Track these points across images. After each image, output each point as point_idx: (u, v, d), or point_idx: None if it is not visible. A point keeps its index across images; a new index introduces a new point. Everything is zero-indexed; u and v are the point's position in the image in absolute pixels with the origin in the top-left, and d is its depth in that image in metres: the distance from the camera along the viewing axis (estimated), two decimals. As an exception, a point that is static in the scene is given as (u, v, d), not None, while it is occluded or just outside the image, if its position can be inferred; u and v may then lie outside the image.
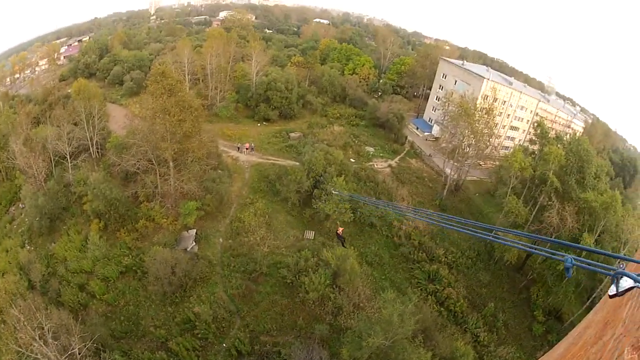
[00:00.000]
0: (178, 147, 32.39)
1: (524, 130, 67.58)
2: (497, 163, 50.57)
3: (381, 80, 77.15)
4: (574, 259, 2.46)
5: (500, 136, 62.28)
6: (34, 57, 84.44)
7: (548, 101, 73.46)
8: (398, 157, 53.30)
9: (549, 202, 36.63)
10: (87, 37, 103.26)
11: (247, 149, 46.36)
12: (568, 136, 52.84)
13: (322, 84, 67.90)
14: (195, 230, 32.58)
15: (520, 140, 66.35)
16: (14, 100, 64.97)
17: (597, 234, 35.19)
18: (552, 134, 48.63)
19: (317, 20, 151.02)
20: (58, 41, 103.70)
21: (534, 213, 38.89)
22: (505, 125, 65.50)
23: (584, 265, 2.88)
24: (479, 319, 32.77)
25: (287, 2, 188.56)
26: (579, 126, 76.45)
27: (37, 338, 21.73)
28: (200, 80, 62.20)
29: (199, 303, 28.95)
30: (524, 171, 38.93)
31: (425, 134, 64.14)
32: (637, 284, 2.21)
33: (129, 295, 31.08)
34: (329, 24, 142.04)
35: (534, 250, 5.94)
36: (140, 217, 32.44)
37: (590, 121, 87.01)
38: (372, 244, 35.81)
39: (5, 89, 73.17)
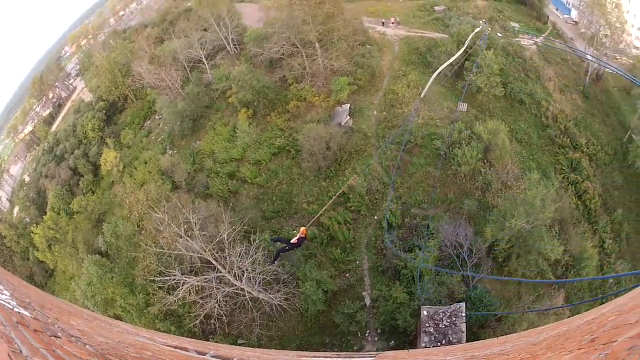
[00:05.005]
0: (322, 28, 32.59)
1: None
2: (631, 62, 49.00)
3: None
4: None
5: (630, 35, 57.39)
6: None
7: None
8: (543, 36, 50.57)
9: None
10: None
11: (392, 23, 45.66)
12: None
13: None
14: (349, 105, 33.15)
15: (650, 42, 62.39)
16: (126, 33, 68.75)
17: None
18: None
19: None
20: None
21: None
22: (633, 26, 59.34)
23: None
24: (608, 224, 31.74)
25: None
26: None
27: (182, 234, 20.72)
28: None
29: (353, 176, 29.63)
30: None
31: (565, 16, 62.13)
32: None
33: (282, 175, 32.31)
34: None
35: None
36: (291, 98, 33.60)
37: None
38: (522, 122, 34.77)
39: (113, 28, 77.49)
